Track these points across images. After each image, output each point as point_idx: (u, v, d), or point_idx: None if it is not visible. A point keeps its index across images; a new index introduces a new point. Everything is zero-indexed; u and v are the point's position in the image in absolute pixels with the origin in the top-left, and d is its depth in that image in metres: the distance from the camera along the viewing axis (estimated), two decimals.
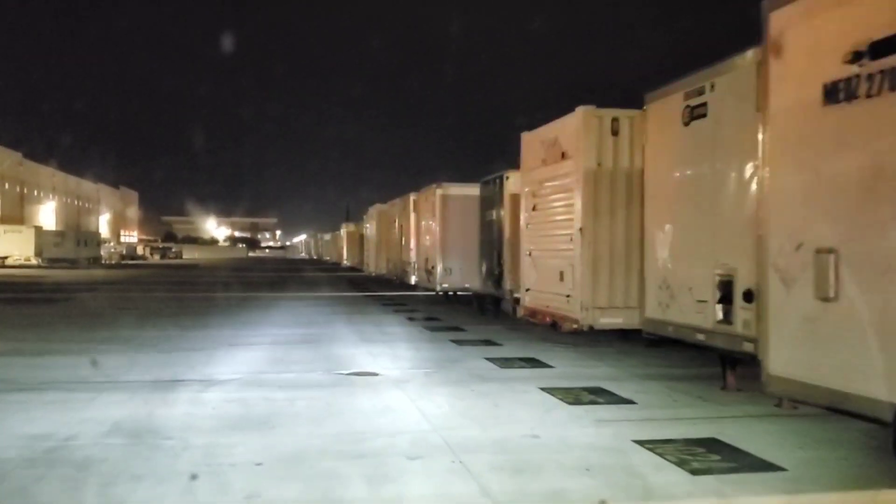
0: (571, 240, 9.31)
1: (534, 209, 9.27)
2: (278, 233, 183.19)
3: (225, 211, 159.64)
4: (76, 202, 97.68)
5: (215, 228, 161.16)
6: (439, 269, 17.22)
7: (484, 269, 15.21)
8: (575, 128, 9.42)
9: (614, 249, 9.35)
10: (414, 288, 22.67)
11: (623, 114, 9.41)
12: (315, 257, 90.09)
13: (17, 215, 72.51)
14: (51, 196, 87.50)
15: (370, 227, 29.33)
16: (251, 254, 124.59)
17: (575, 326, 9.31)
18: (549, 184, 9.38)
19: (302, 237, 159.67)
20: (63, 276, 38.91)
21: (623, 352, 11.67)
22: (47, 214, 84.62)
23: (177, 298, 24.49)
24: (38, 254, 54.05)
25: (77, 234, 64.51)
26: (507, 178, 13.67)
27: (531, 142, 10.60)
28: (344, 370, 10.30)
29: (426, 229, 18.63)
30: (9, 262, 53.77)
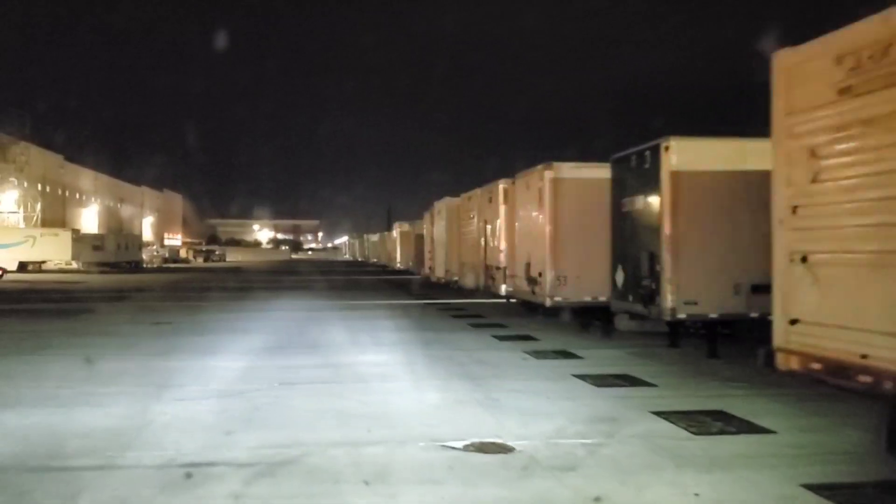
0: None
1: (815, 181, 5.39)
2: (320, 234, 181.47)
3: (267, 213, 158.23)
4: (119, 205, 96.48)
5: (258, 230, 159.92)
6: (549, 277, 13.27)
7: (621, 278, 11.34)
8: None
9: None
10: (474, 295, 19.36)
11: None
12: (360, 259, 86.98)
13: (58, 219, 71.00)
14: (93, 199, 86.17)
15: (437, 225, 25.48)
16: (294, 256, 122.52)
17: None
18: (866, 129, 4.87)
19: (344, 239, 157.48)
20: (96, 282, 36.23)
21: (831, 397, 7.82)
22: (90, 218, 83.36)
23: (216, 309, 21.25)
24: (75, 258, 51.82)
25: (117, 237, 62.33)
26: (667, 147, 9.82)
27: (805, 62, 5.86)
28: (454, 438, 6.75)
29: (526, 225, 14.73)
30: (46, 266, 51.88)
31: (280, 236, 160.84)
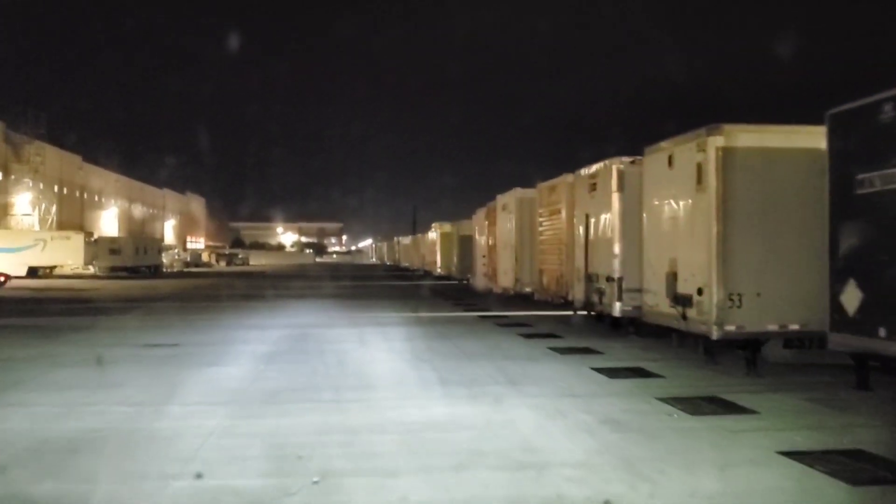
0: None
1: None
2: (343, 238, 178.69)
3: (291, 216, 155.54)
4: (140, 208, 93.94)
5: (282, 234, 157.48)
6: (717, 295, 9.19)
7: (855, 298, 7.23)
8: None
9: None
10: (529, 306, 16.18)
11: None
12: (389, 263, 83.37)
13: (76, 221, 68.38)
14: (113, 201, 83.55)
15: (500, 224, 21.15)
16: (318, 259, 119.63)
17: None
18: None
19: (368, 242, 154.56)
20: (108, 289, 32.84)
21: None
22: (109, 221, 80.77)
23: (234, 324, 17.68)
24: (88, 262, 48.73)
25: (136, 240, 59.31)
26: None
27: None
28: None
29: (669, 218, 10.68)
30: (61, 271, 48.94)
31: (303, 239, 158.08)
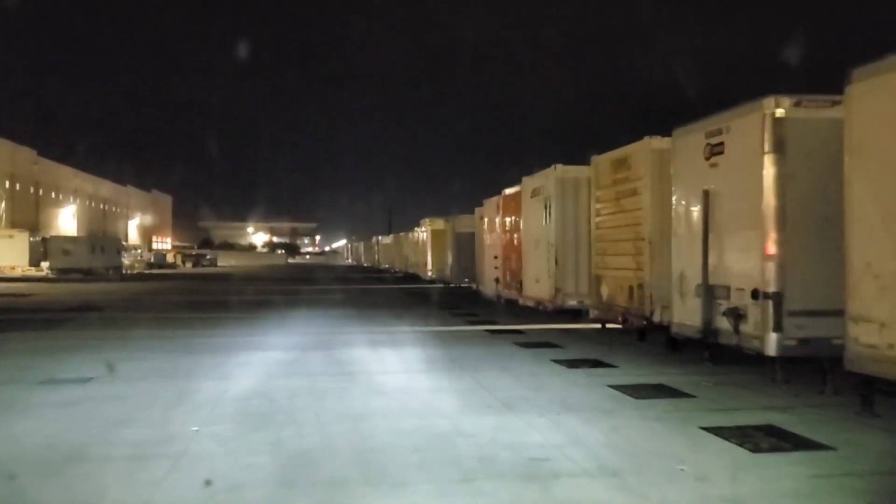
0: None
1: None
2: (317, 238, 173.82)
3: (264, 216, 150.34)
4: (102, 206, 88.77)
5: (252, 233, 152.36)
6: None
7: None
8: None
9: None
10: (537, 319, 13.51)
11: None
12: (367, 265, 79.00)
13: (30, 219, 63.35)
14: (71, 199, 78.37)
15: (527, 215, 16.29)
16: (290, 260, 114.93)
17: None
18: None
19: (342, 242, 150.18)
20: (48, 294, 28.39)
21: None
22: (67, 219, 75.70)
23: (181, 345, 13.73)
24: (35, 263, 44.14)
25: (92, 239, 54.60)
26: None
27: None
28: None
29: None
30: (8, 273, 44.30)
31: (276, 239, 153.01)
